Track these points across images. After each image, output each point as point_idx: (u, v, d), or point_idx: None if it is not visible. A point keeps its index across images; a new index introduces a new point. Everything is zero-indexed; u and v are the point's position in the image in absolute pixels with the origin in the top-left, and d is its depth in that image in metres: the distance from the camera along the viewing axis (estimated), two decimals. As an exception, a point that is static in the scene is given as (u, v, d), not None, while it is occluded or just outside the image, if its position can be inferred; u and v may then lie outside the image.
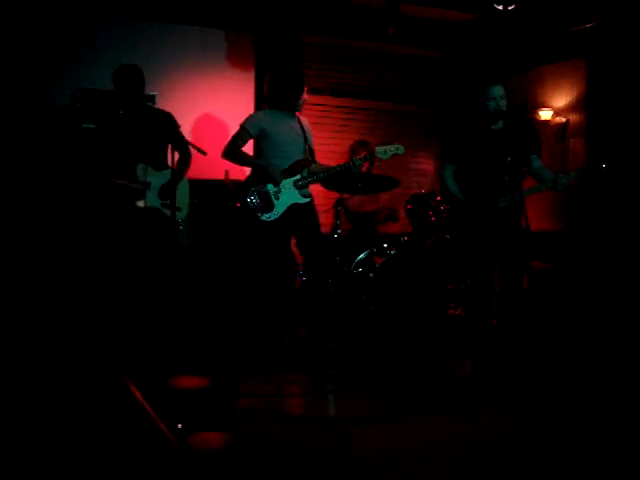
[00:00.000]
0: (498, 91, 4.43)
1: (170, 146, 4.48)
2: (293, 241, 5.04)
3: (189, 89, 6.15)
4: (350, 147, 6.07)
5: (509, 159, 4.34)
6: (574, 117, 6.49)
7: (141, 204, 4.65)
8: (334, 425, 3.40)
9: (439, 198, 5.86)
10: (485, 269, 4.58)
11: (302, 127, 4.92)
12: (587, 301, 5.60)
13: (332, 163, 5.21)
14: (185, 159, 4.85)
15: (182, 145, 4.76)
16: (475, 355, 4.57)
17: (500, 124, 4.50)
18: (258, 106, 6.38)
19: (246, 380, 3.89)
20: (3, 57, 5.44)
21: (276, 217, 4.72)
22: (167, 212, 4.58)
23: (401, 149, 4.88)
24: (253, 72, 6.50)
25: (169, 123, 4.78)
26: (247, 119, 4.90)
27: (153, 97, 5.08)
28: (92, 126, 5.19)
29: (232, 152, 4.82)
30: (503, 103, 4.43)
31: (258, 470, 2.67)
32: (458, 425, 3.36)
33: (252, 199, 4.71)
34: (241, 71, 6.46)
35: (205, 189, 5.60)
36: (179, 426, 2.87)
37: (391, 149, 4.85)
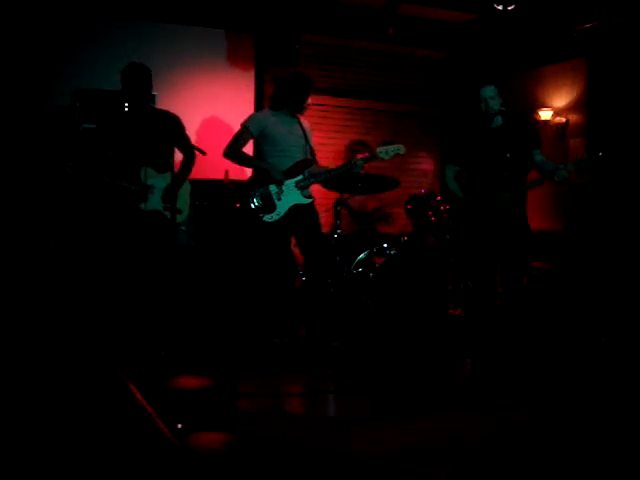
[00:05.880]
0: (487, 92, 4.42)
1: (173, 148, 4.46)
2: (293, 241, 5.04)
3: (189, 89, 6.15)
4: (347, 147, 6.07)
5: (508, 155, 4.38)
6: (574, 117, 6.49)
7: (142, 207, 4.65)
8: (334, 425, 3.40)
9: (439, 198, 5.86)
10: (486, 269, 4.58)
11: (303, 129, 4.93)
12: (587, 301, 5.60)
13: (332, 163, 5.22)
14: (188, 162, 4.84)
15: (187, 148, 4.76)
16: (475, 355, 4.57)
17: (499, 122, 4.52)
18: (258, 106, 6.38)
19: (246, 380, 3.89)
20: (3, 57, 5.44)
21: (278, 218, 4.73)
22: (168, 214, 4.59)
23: (402, 149, 4.90)
24: (253, 72, 6.50)
25: (174, 124, 4.77)
26: (248, 118, 4.91)
27: (153, 97, 5.08)
28: (92, 126, 5.19)
29: (233, 151, 4.83)
30: (494, 103, 4.42)
31: (258, 470, 2.67)
32: (458, 425, 3.36)
33: (255, 201, 4.71)
34: (241, 71, 6.46)
35: (204, 189, 5.60)
36: (179, 426, 2.88)
37: (392, 149, 4.87)
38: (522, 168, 4.57)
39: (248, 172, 5.02)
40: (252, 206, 4.71)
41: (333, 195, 5.65)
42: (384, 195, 6.09)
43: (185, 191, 4.81)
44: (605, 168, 4.84)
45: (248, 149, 4.97)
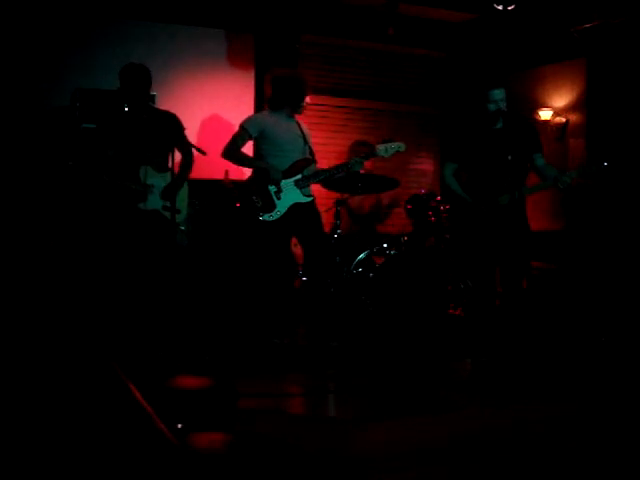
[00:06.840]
0: (499, 94, 4.46)
1: (172, 148, 4.46)
2: (294, 241, 5.04)
3: (189, 89, 6.15)
4: (349, 147, 6.07)
5: (509, 158, 4.37)
6: (574, 117, 6.49)
7: (142, 206, 4.65)
8: (334, 425, 3.40)
9: (439, 198, 5.86)
10: (486, 269, 4.58)
11: (301, 129, 4.94)
12: (587, 301, 5.60)
13: (332, 163, 5.22)
14: (188, 163, 4.84)
15: (186, 148, 4.76)
16: (475, 355, 4.57)
17: (500, 123, 4.52)
18: (258, 106, 6.38)
19: (246, 380, 3.89)
20: (3, 57, 5.44)
21: (278, 217, 4.73)
22: (167, 214, 4.58)
23: (402, 147, 4.90)
24: (253, 72, 6.50)
25: (173, 124, 4.77)
26: (247, 119, 4.91)
27: (153, 97, 5.09)
28: (92, 126, 5.19)
29: (232, 152, 4.84)
30: (504, 105, 4.47)
31: (258, 470, 2.67)
32: (458, 425, 3.36)
33: (255, 199, 4.72)
34: (241, 71, 6.46)
35: (204, 189, 5.60)
36: (179, 426, 2.88)
37: (392, 147, 4.87)
38: (522, 170, 4.57)
39: (248, 172, 5.02)
40: (252, 205, 4.70)
41: (333, 195, 5.65)
42: (383, 195, 6.10)
43: (183, 191, 4.81)
44: (608, 177, 4.83)
45: (247, 150, 4.98)
